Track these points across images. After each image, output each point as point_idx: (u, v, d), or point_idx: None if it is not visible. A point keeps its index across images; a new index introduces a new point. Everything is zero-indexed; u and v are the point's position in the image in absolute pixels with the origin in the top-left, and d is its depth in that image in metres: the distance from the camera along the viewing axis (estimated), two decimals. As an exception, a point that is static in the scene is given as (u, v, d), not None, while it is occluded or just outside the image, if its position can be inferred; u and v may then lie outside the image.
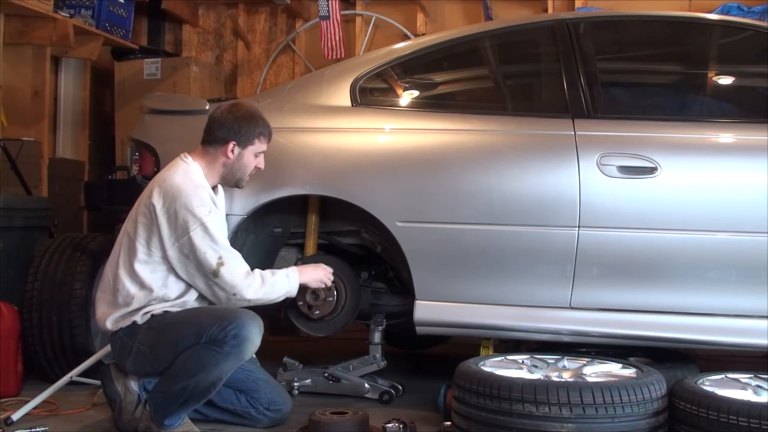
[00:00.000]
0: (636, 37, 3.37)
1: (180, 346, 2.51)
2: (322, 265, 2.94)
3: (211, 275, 2.57)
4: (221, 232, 2.65)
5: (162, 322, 2.56)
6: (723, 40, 3.24)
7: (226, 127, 2.70)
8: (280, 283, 2.73)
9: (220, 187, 2.82)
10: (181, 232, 2.56)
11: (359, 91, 3.16)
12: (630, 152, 2.83)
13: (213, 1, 5.77)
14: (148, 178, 2.91)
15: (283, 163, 3.02)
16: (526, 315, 2.89)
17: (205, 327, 2.48)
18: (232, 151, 2.70)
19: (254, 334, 2.52)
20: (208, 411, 2.77)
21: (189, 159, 2.71)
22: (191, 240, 2.55)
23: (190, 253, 2.57)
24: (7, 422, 2.72)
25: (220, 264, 2.57)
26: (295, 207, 3.19)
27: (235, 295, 2.61)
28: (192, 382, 2.48)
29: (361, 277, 3.26)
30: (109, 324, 2.62)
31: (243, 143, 2.71)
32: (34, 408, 2.87)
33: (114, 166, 5.01)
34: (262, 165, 2.80)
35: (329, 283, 2.96)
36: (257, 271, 2.68)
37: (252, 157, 2.75)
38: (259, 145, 2.76)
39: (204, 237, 2.56)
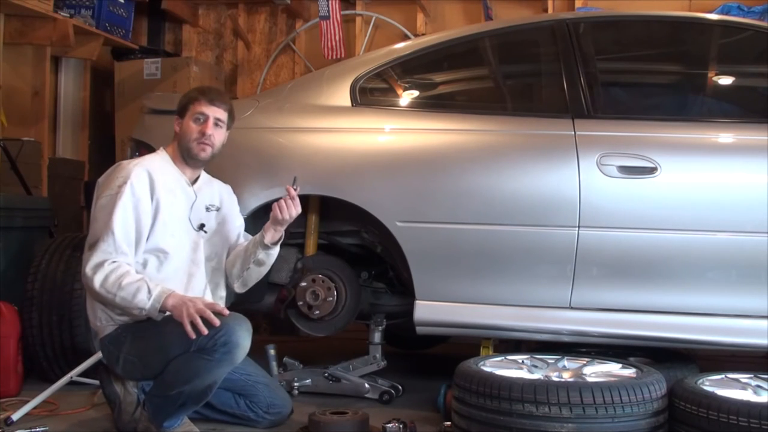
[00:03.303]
0: (636, 37, 3.36)
1: (170, 354, 2.46)
2: (202, 301, 2.46)
3: (87, 247, 2.51)
4: (127, 212, 2.49)
5: (147, 332, 2.50)
6: (723, 40, 3.24)
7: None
8: (135, 293, 2.40)
9: (204, 178, 2.80)
10: (95, 198, 2.58)
11: (359, 91, 3.16)
12: (630, 152, 2.83)
13: (213, 1, 5.76)
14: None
15: (283, 163, 3.02)
16: (526, 315, 2.89)
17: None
18: (177, 124, 2.73)
19: (243, 339, 2.44)
20: (207, 412, 2.77)
21: (159, 149, 2.76)
22: (94, 206, 2.56)
23: (92, 218, 2.57)
24: (7, 422, 2.72)
25: (97, 240, 2.47)
26: (295, 207, 3.19)
27: (84, 276, 2.47)
28: (187, 388, 2.45)
29: (361, 277, 3.26)
30: (91, 316, 2.60)
31: (182, 113, 2.73)
32: (34, 408, 2.87)
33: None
34: (208, 129, 2.67)
35: (207, 319, 2.38)
36: (128, 270, 2.44)
37: (191, 122, 2.69)
38: (194, 109, 2.70)
39: (104, 208, 2.52)
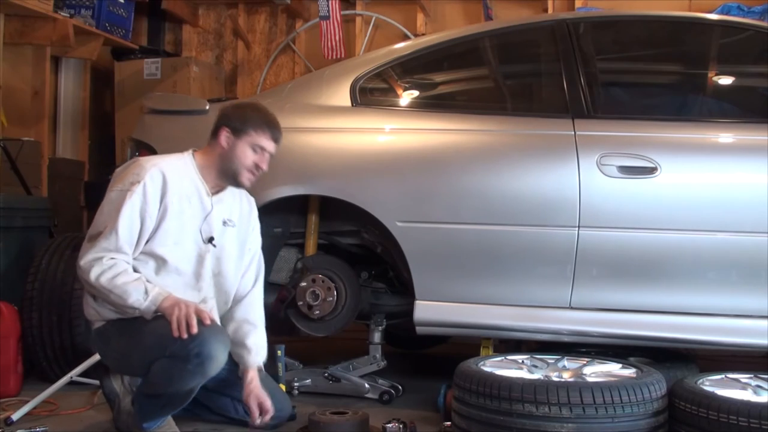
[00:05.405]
0: (636, 37, 3.36)
1: (147, 355, 2.41)
2: (195, 306, 2.42)
3: (88, 239, 2.46)
4: (134, 213, 2.44)
5: (130, 330, 2.46)
6: (723, 40, 3.24)
7: (222, 114, 2.63)
8: (131, 293, 2.38)
9: (229, 191, 2.68)
10: (108, 189, 2.51)
11: (359, 91, 3.16)
12: (630, 152, 2.83)
13: (213, 1, 5.77)
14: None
15: (283, 163, 3.01)
16: (526, 315, 2.89)
17: (168, 341, 2.34)
18: (227, 139, 2.59)
19: (218, 351, 2.36)
20: (203, 413, 2.76)
21: (187, 152, 2.65)
22: (105, 196, 2.49)
23: (99, 208, 2.50)
24: (7, 422, 2.72)
25: (99, 233, 2.42)
26: (295, 207, 3.19)
27: (80, 268, 2.41)
28: (169, 391, 2.42)
29: (361, 277, 3.26)
30: (84, 308, 2.58)
31: (236, 131, 2.57)
32: (34, 408, 2.87)
33: (114, 166, 4.99)
34: (263, 165, 2.62)
35: (189, 323, 2.34)
36: (126, 268, 2.40)
37: (247, 149, 2.58)
38: (256, 138, 2.58)
39: (112, 202, 2.45)
